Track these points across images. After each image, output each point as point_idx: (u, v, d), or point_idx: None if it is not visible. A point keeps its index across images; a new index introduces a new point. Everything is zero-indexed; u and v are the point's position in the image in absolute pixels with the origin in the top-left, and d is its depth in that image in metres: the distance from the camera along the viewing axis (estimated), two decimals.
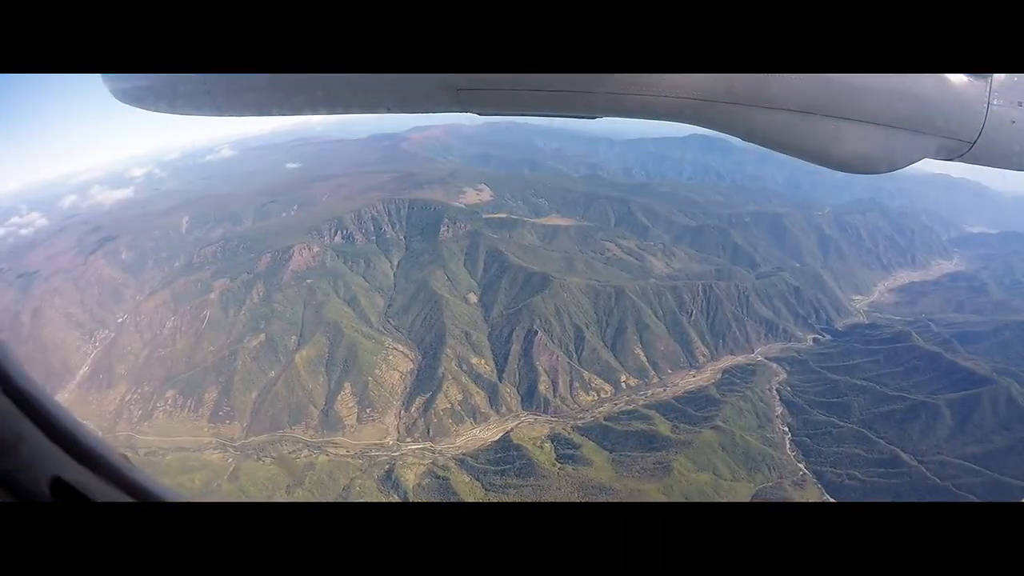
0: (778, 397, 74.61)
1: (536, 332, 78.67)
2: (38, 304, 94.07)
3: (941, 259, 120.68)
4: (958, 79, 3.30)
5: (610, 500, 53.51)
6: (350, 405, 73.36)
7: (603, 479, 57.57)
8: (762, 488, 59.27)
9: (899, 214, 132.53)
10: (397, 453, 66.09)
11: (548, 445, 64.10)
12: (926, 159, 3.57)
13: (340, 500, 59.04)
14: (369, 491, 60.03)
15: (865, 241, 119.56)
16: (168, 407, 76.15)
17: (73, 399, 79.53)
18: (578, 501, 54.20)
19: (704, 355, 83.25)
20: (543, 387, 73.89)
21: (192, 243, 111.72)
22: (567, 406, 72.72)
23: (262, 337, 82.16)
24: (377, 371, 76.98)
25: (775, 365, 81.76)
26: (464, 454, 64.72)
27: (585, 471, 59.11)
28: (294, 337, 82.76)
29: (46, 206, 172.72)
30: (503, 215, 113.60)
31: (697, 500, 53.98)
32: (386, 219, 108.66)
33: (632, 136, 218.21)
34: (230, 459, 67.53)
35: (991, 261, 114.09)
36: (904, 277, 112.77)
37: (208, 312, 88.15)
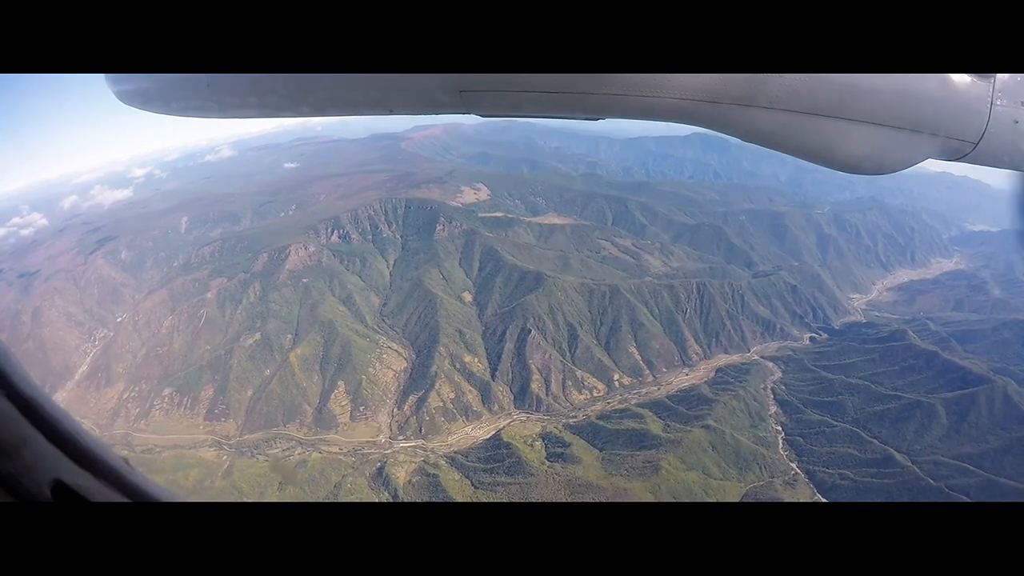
0: (772, 396, 74.30)
1: (530, 331, 78.72)
2: (39, 304, 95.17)
3: (941, 257, 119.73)
4: (961, 79, 3.28)
5: (596, 498, 53.51)
6: (343, 403, 73.75)
7: (591, 477, 57.60)
8: (752, 488, 59.07)
9: (899, 212, 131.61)
10: (389, 451, 66.41)
11: (539, 443, 64.19)
12: (929, 159, 3.55)
13: (331, 497, 59.42)
14: (360, 488, 60.35)
15: (865, 239, 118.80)
16: (165, 405, 76.82)
17: (72, 397, 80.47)
18: (569, 501, 54.22)
19: (699, 354, 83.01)
20: (536, 386, 73.96)
21: (191, 243, 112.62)
22: (559, 404, 72.76)
23: (258, 336, 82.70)
24: (371, 369, 77.32)
25: (770, 364, 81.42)
26: (455, 452, 64.92)
27: (573, 469, 59.15)
28: (289, 336, 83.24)
29: (47, 206, 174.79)
30: (499, 214, 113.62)
31: (686, 499, 53.89)
32: (383, 218, 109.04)
33: (633, 135, 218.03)
34: (225, 456, 68.09)
35: (992, 259, 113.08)
36: (903, 276, 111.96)
37: (205, 311, 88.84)
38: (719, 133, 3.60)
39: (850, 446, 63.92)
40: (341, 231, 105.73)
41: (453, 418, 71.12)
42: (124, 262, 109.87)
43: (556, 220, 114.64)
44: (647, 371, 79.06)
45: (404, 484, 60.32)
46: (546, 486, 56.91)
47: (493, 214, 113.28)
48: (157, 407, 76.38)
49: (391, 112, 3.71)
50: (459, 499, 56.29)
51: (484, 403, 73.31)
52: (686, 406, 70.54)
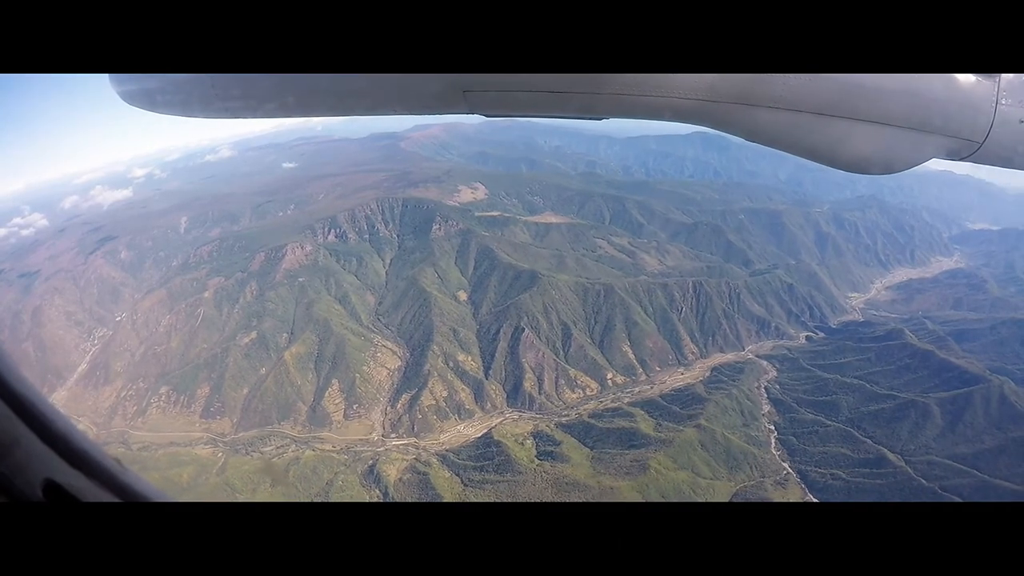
0: (766, 395, 73.99)
1: (523, 329, 78.76)
2: (39, 303, 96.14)
3: (941, 256, 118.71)
4: (966, 79, 3.28)
5: (583, 497, 53.52)
6: (337, 401, 74.11)
7: (579, 476, 57.56)
8: (743, 487, 58.85)
9: (900, 211, 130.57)
10: (381, 449, 66.66)
11: (530, 442, 64.24)
12: (934, 159, 3.55)
13: (324, 494, 59.77)
14: (351, 486, 60.66)
15: (864, 238, 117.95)
16: (162, 403, 77.46)
17: (71, 396, 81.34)
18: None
19: (693, 353, 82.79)
20: (528, 384, 74.02)
21: (190, 242, 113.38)
22: (552, 403, 72.78)
23: (254, 335, 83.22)
24: (365, 368, 77.66)
25: (765, 363, 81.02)
26: (446, 450, 65.09)
27: (562, 468, 59.15)
28: (285, 335, 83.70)
29: (48, 207, 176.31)
30: (496, 213, 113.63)
31: (675, 499, 53.78)
32: (380, 218, 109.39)
33: (634, 134, 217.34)
34: (219, 454, 68.58)
35: (992, 258, 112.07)
36: (903, 274, 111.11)
37: (202, 310, 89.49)
38: (722, 132, 3.62)
39: (843, 446, 63.54)
40: (338, 230, 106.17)
41: (446, 416, 71.31)
42: (124, 262, 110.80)
43: (553, 219, 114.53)
44: (640, 370, 78.92)
45: (395, 482, 60.55)
46: (533, 484, 56.95)
47: (490, 213, 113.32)
48: (154, 405, 77.04)
49: (395, 112, 3.70)
50: (448, 497, 56.46)
51: (477, 401, 73.47)
52: (679, 405, 70.37)
